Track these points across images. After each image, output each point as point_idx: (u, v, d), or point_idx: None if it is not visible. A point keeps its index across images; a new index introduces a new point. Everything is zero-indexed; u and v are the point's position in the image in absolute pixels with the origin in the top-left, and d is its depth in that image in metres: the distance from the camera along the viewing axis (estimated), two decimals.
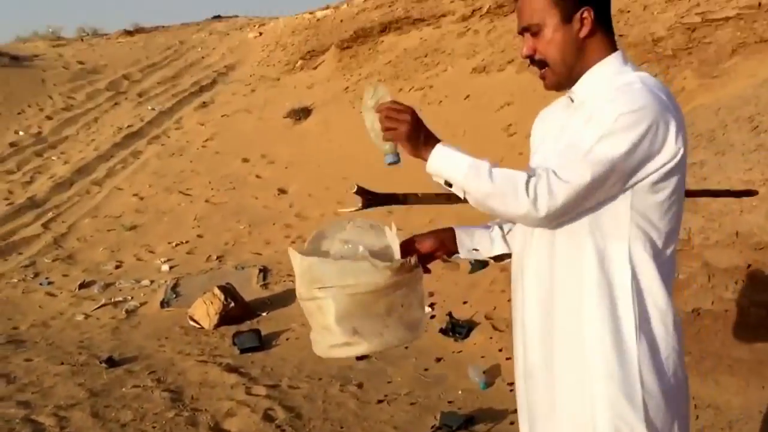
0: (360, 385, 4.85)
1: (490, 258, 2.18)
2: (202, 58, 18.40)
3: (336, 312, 1.94)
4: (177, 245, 8.68)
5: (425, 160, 1.86)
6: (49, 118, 14.29)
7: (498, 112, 8.55)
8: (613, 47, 1.92)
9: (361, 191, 1.95)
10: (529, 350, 2.00)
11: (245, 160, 11.13)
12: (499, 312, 5.51)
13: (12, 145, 12.91)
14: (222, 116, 13.68)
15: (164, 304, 6.82)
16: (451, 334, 5.45)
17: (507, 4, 10.93)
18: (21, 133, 13.51)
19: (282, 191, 9.80)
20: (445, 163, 1.85)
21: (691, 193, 3.72)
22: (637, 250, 1.82)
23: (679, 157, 1.77)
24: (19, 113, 14.43)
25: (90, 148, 12.75)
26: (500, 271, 5.97)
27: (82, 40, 21.42)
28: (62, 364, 5.56)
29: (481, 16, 11.31)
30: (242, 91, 15.07)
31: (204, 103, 14.86)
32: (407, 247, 2.07)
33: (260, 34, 19.34)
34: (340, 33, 14.92)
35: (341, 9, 17.28)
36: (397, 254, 2.00)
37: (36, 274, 8.06)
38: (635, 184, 1.78)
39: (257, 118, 12.99)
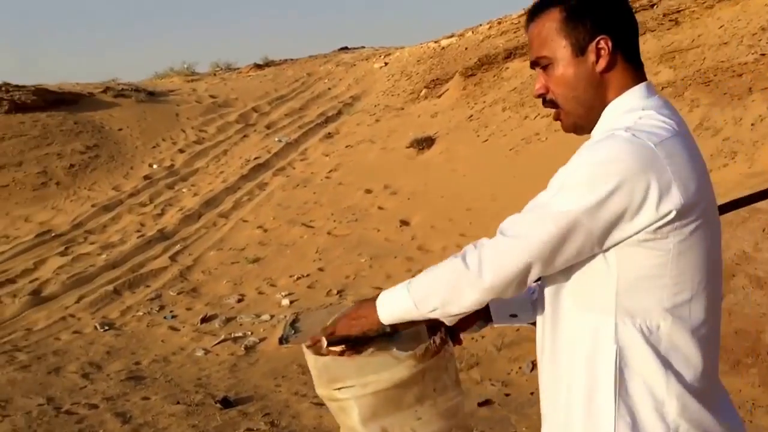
0: None
1: (531, 324, 1.88)
2: (329, 89, 18.59)
3: (360, 414, 1.73)
4: (298, 279, 8.58)
5: (379, 321, 1.67)
6: (181, 151, 14.73)
7: None
8: (638, 78, 1.63)
9: (336, 342, 1.75)
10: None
11: (368, 191, 11.00)
12: None
13: (146, 177, 13.36)
14: (346, 147, 13.67)
15: (282, 340, 6.66)
16: None
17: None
18: (155, 166, 13.98)
19: (404, 223, 9.57)
20: (391, 307, 1.66)
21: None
22: (625, 326, 1.52)
23: (664, 221, 1.45)
24: (153, 147, 14.95)
25: (218, 180, 13.00)
26: None
27: (215, 74, 22.15)
28: (178, 403, 5.48)
29: None
30: (367, 121, 15.06)
31: (329, 134, 14.93)
32: (434, 320, 1.78)
33: (386, 64, 19.38)
34: (464, 60, 14.70)
35: (466, 36, 17.08)
36: (425, 335, 1.75)
37: (161, 307, 8.13)
38: (611, 247, 1.49)
39: (381, 149, 12.88)
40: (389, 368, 1.71)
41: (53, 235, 10.83)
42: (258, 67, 22.22)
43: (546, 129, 9.40)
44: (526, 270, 1.50)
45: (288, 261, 9.25)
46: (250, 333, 7.13)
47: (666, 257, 1.48)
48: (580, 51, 1.61)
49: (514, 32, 14.06)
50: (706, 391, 1.54)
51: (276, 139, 14.96)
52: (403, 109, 14.99)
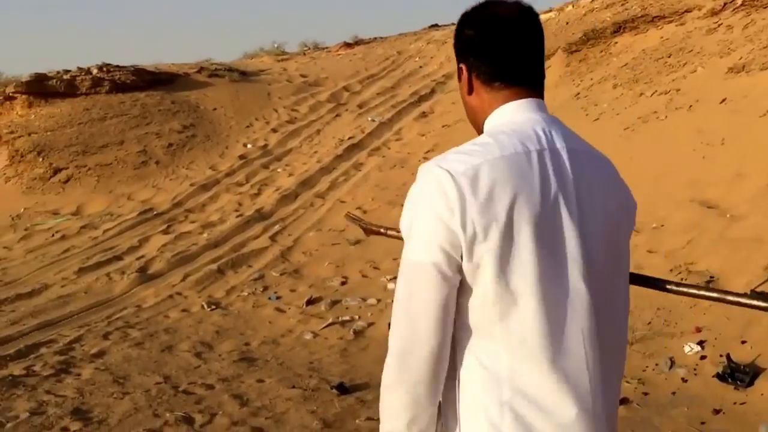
0: None
1: None
2: (420, 67, 18.27)
3: None
4: None
5: None
6: (274, 130, 14.68)
7: (763, 118, 7.43)
8: (509, 98, 1.62)
9: (352, 219, 2.09)
10: None
11: None
12: None
13: (241, 157, 13.35)
14: (443, 126, 13.36)
15: None
16: (730, 380, 4.62)
17: None
18: (249, 146, 13.97)
19: None
20: None
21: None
22: (464, 355, 1.56)
23: (469, 252, 1.47)
24: (247, 126, 14.96)
25: (313, 160, 12.88)
26: None
27: (304, 54, 22.09)
28: (293, 387, 5.33)
29: (734, 9, 10.09)
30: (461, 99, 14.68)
31: (423, 113, 14.63)
32: None
33: None
34: (566, 36, 14.12)
35: (566, 11, 16.46)
36: None
37: (265, 288, 8.02)
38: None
39: None
40: None
41: (155, 213, 10.92)
42: (347, 45, 22.05)
43: (665, 107, 8.88)
44: (438, 348, 1.54)
45: (390, 243, 8.94)
46: (357, 317, 6.94)
47: (485, 282, 1.48)
48: (459, 77, 1.71)
49: (622, 4, 13.41)
50: (566, 420, 1.49)
51: (369, 118, 14.75)
52: None
